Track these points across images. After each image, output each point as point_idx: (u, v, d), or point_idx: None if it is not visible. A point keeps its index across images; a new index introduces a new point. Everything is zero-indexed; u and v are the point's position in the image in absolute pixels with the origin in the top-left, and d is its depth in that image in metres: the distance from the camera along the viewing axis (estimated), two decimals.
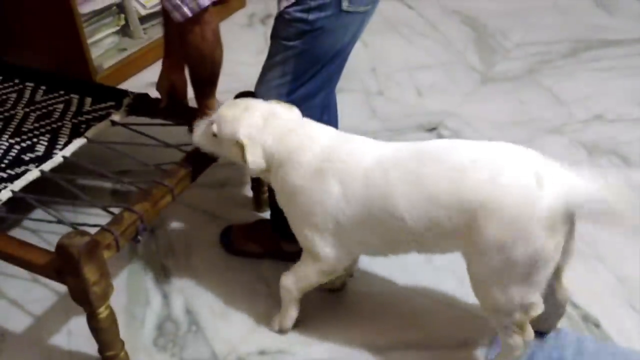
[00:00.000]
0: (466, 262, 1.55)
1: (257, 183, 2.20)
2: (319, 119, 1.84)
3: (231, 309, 1.93)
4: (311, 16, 1.68)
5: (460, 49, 3.28)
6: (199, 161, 1.89)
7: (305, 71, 1.77)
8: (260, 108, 1.68)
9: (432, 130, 2.68)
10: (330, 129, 1.71)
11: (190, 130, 1.84)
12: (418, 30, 3.47)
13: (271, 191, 1.84)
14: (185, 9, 1.63)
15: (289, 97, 1.78)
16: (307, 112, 1.80)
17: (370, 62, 3.18)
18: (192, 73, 1.84)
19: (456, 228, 1.47)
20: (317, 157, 1.61)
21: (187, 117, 1.97)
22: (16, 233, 2.16)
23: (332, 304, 1.93)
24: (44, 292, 2.01)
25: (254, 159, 1.65)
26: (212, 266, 2.09)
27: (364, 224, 1.58)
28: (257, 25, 3.57)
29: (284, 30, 1.74)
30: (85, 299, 1.56)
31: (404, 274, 2.00)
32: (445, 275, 1.97)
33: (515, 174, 1.42)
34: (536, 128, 2.67)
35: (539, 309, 1.52)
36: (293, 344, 1.82)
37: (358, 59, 3.19)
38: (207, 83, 1.84)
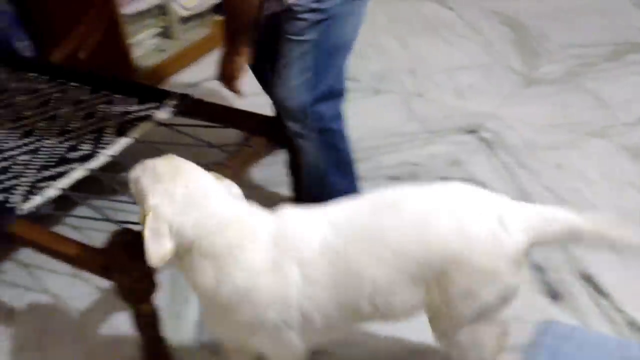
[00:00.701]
0: (431, 318, 1.45)
1: (298, 184, 2.19)
2: (338, 109, 1.89)
3: None
4: (324, 4, 1.70)
5: (500, 50, 3.25)
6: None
7: (323, 63, 1.79)
8: (192, 181, 1.39)
9: (472, 132, 2.66)
10: (266, 214, 1.45)
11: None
12: (458, 32, 3.46)
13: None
14: None
15: (314, 93, 1.79)
16: (331, 103, 1.83)
17: (410, 63, 3.17)
18: (231, 19, 1.77)
19: (423, 282, 1.37)
20: (266, 248, 1.37)
21: (231, 118, 1.98)
22: (57, 230, 2.18)
23: None
24: (86, 288, 2.04)
25: (155, 245, 1.33)
26: None
27: (332, 303, 1.38)
28: None
29: (294, 25, 1.74)
30: (131, 295, 1.58)
31: None
32: None
33: (480, 220, 1.35)
34: (578, 131, 2.63)
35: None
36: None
37: (397, 60, 3.20)
38: (245, 29, 1.75)
